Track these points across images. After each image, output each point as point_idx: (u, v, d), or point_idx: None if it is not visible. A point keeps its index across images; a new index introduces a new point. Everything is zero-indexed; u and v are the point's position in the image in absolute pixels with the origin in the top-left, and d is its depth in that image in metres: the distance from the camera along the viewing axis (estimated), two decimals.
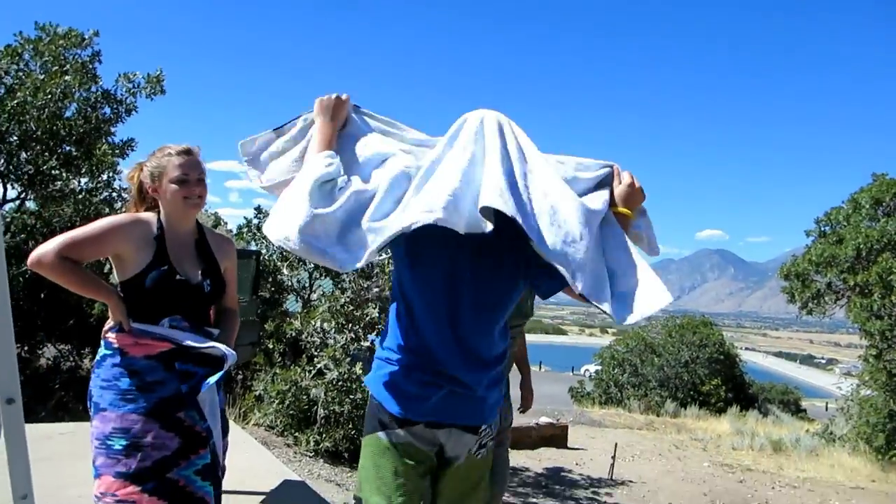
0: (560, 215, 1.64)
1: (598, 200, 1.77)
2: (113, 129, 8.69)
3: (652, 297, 1.67)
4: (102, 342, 1.99)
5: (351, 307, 6.37)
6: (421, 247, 1.74)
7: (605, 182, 1.84)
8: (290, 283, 7.36)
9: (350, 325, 6.35)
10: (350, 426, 5.81)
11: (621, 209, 1.81)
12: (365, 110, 1.97)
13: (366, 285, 6.79)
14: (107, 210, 8.37)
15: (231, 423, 5.18)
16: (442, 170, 1.63)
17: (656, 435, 13.16)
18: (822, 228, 11.66)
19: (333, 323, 6.36)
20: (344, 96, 1.91)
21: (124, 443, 1.87)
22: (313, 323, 6.34)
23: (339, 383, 5.91)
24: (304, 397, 5.88)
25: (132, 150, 8.78)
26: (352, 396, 5.91)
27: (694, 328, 22.45)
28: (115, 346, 1.94)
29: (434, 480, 1.81)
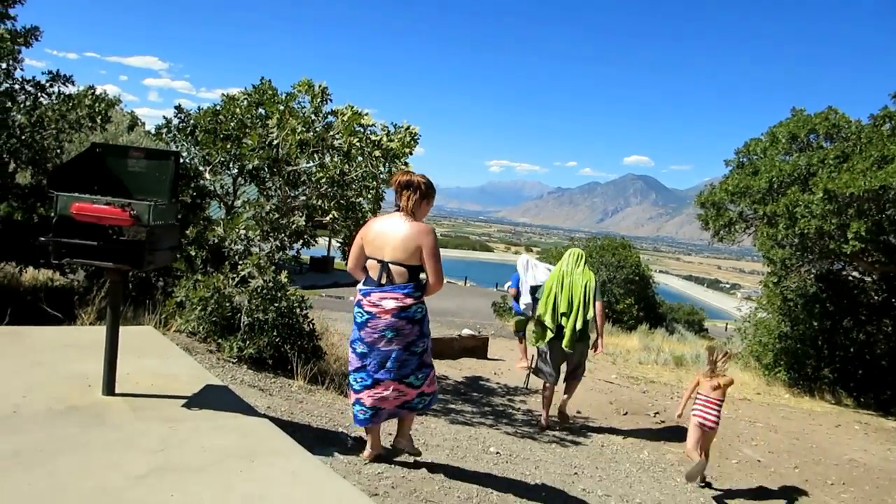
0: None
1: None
2: (12, 12, 7.76)
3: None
4: (422, 302, 3.50)
5: (276, 215, 6.21)
6: None
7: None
8: (212, 189, 7.07)
9: (275, 233, 6.21)
10: (275, 333, 5.79)
11: None
12: None
13: (293, 194, 6.60)
14: (9, 103, 7.69)
15: (152, 328, 5.10)
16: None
17: None
18: (741, 159, 12.07)
19: (258, 230, 6.21)
20: None
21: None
22: (237, 230, 6.17)
23: (264, 291, 5.84)
24: (228, 304, 5.80)
25: (37, 39, 7.90)
26: (276, 304, 5.85)
27: (613, 250, 23.37)
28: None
29: None
